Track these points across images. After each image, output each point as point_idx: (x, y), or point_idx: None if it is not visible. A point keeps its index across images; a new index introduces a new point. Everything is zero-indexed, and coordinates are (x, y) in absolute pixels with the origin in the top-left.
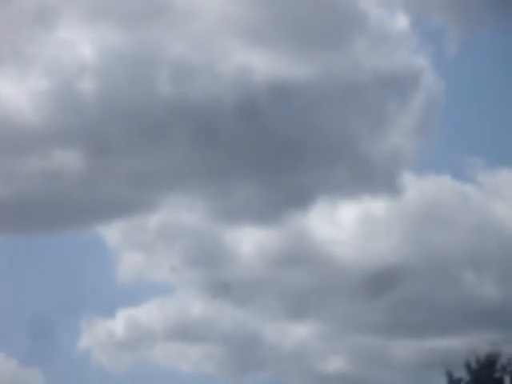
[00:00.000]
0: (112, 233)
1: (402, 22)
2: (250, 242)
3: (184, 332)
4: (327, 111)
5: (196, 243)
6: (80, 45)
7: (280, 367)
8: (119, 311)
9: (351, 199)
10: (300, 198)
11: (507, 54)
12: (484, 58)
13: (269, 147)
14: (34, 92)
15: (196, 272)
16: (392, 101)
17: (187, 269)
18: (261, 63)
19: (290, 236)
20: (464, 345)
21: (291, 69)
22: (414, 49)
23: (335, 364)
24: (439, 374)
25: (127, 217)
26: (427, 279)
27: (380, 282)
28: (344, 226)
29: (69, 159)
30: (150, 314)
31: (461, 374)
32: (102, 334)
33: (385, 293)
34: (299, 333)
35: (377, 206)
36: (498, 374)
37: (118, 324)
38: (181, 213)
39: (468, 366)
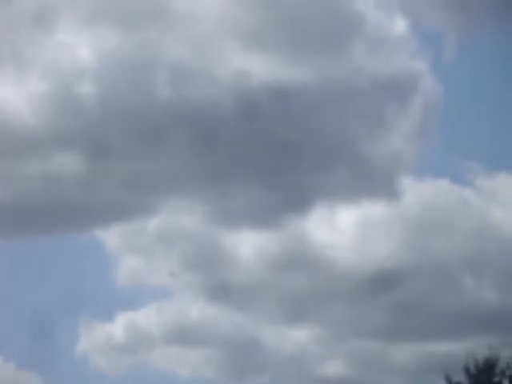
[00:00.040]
0: (111, 236)
1: (400, 25)
2: (248, 245)
3: (183, 336)
4: (326, 115)
5: (195, 247)
6: (79, 48)
7: (279, 371)
8: (118, 315)
9: (350, 203)
10: (299, 202)
11: (506, 58)
12: (483, 62)
13: (268, 151)
14: (32, 95)
15: (195, 276)
16: (390, 105)
17: (186, 272)
18: (259, 67)
19: (288, 240)
20: (463, 349)
21: (289, 72)
22: (413, 53)
23: (334, 368)
24: (438, 378)
25: (126, 220)
26: (426, 283)
27: (379, 285)
28: (343, 229)
29: (68, 162)
30: (148, 317)
31: (460, 378)
32: (101, 337)
33: (384, 297)
34: (298, 337)
35: (375, 209)
36: (496, 379)
37: (117, 328)
38: (180, 216)
39: (467, 371)
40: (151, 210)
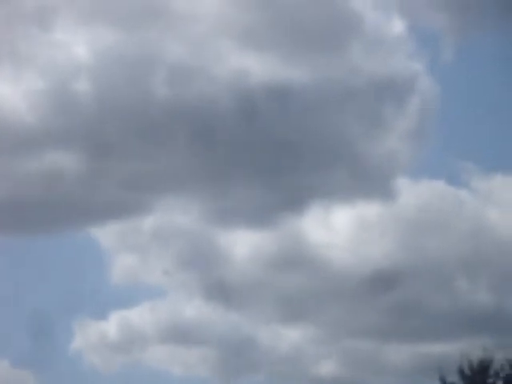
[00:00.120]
0: (106, 234)
1: (398, 26)
2: (244, 244)
3: (177, 334)
4: (323, 115)
5: (190, 245)
6: (77, 46)
7: (274, 370)
8: (112, 313)
9: (346, 203)
10: (295, 202)
11: (503, 60)
12: (480, 64)
13: (264, 150)
14: (30, 93)
15: (190, 274)
16: (387, 105)
17: (181, 271)
18: (257, 66)
19: (284, 239)
20: (457, 350)
21: (287, 72)
22: (410, 53)
23: (329, 368)
24: (432, 379)
25: (122, 219)
26: (421, 284)
27: (374, 286)
28: (338, 230)
29: (64, 161)
30: (143, 316)
31: (454, 379)
32: (95, 335)
33: (379, 297)
34: (293, 336)
35: (371, 210)
36: (491, 380)
37: (111, 326)
38: (175, 215)
39: (461, 372)
40: (147, 208)
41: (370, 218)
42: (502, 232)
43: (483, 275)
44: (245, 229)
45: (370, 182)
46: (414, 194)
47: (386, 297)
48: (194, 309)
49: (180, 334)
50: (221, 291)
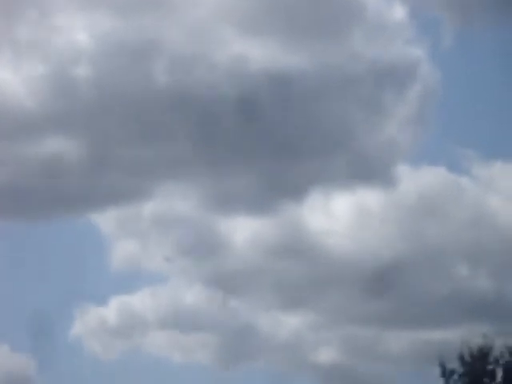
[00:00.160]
0: (106, 220)
1: (399, 12)
2: (244, 231)
3: (177, 321)
4: (323, 102)
5: (190, 232)
6: (76, 31)
7: (273, 357)
8: (112, 299)
9: (346, 190)
10: (295, 188)
11: (504, 46)
12: (481, 50)
13: (264, 137)
14: (29, 78)
15: (190, 261)
16: (388, 92)
17: (181, 257)
18: (257, 53)
19: (284, 226)
20: (457, 337)
21: (287, 59)
22: (411, 39)
23: (329, 355)
24: (432, 366)
25: (121, 205)
26: (421, 271)
27: (374, 273)
28: (338, 216)
29: (64, 147)
30: (143, 302)
31: (454, 366)
32: (95, 321)
33: (379, 284)
34: (293, 323)
35: (371, 197)
36: (490, 367)
37: (111, 312)
38: (175, 201)
39: (461, 358)
40: (147, 194)
41: (370, 204)
42: (502, 219)
43: (483, 262)
44: (245, 215)
45: (370, 168)
46: (415, 180)
47: (386, 283)
48: (193, 295)
49: (180, 321)
50: (220, 278)
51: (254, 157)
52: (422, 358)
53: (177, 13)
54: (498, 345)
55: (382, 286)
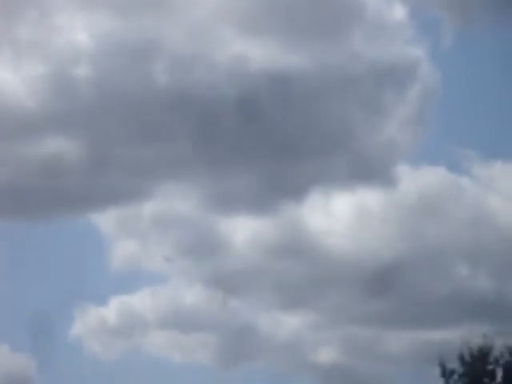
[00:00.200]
0: (106, 220)
1: (399, 12)
2: (244, 231)
3: (177, 321)
4: (323, 102)
5: (190, 232)
6: (76, 31)
7: (273, 357)
8: (112, 299)
9: (346, 190)
10: (295, 188)
11: (504, 46)
12: (481, 50)
13: (264, 137)
14: (29, 78)
15: (190, 261)
16: (388, 92)
17: (181, 257)
18: (257, 52)
19: (284, 226)
20: (458, 337)
21: (287, 58)
22: (412, 39)
23: (328, 355)
24: (432, 366)
25: (121, 205)
26: (421, 271)
27: (374, 273)
28: (338, 216)
29: (64, 147)
30: (143, 302)
31: (454, 366)
32: (95, 321)
33: (379, 284)
34: (293, 323)
35: (371, 197)
36: (490, 367)
37: (111, 312)
38: (175, 201)
39: (461, 358)
40: (146, 194)
41: (370, 204)
42: (502, 219)
43: (484, 262)
44: (245, 215)
45: (370, 168)
46: (415, 180)
47: (386, 283)
48: (193, 295)
49: (180, 321)
50: (221, 278)
51: (253, 157)
52: (422, 358)
53: (177, 13)
54: (498, 345)
55: (382, 286)
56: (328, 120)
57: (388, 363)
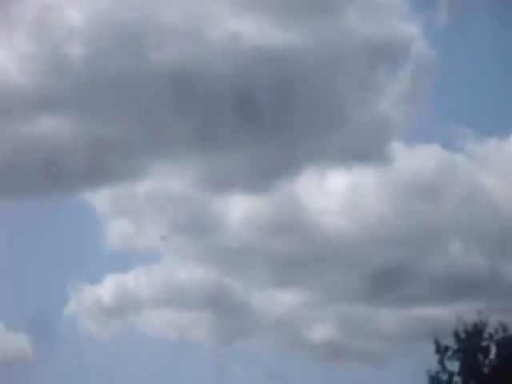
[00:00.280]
0: (100, 199)
1: None
2: (238, 209)
3: (171, 299)
4: (316, 79)
5: (184, 210)
6: (69, 9)
7: (268, 335)
8: (107, 278)
9: (340, 168)
10: (289, 167)
11: (499, 23)
12: (475, 27)
13: (258, 115)
14: (22, 57)
15: (184, 239)
16: (382, 69)
17: (175, 236)
18: (251, 30)
19: (278, 204)
20: (452, 314)
21: (281, 36)
22: (406, 17)
23: (322, 332)
24: (427, 343)
25: (116, 184)
26: (415, 248)
27: (368, 250)
28: (333, 194)
29: (58, 125)
30: (137, 280)
31: (449, 342)
32: (90, 300)
33: (373, 261)
34: (286, 301)
35: (366, 174)
36: (485, 343)
37: (106, 290)
38: (169, 180)
39: (456, 335)
40: (141, 173)
41: (364, 182)
42: (496, 196)
43: (478, 239)
44: (239, 194)
45: (364, 146)
46: (409, 158)
47: (380, 261)
48: (188, 273)
49: (174, 299)
50: (215, 256)
51: (248, 135)
52: (416, 335)
53: None
54: (493, 321)
55: (377, 264)
56: (322, 98)
57: (382, 340)
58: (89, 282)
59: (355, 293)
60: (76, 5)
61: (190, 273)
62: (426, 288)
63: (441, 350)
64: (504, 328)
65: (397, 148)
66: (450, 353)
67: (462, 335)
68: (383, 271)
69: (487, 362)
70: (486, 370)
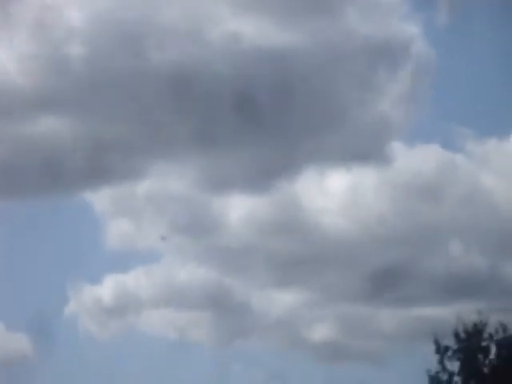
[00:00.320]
0: (100, 199)
1: None
2: (238, 209)
3: (171, 299)
4: (317, 79)
5: (185, 210)
6: (69, 9)
7: (267, 335)
8: (107, 278)
9: (340, 168)
10: (289, 167)
11: (499, 23)
12: (475, 28)
13: (257, 115)
14: (23, 57)
15: (184, 239)
16: (382, 69)
17: (176, 236)
18: (251, 30)
19: (278, 204)
20: (452, 314)
21: (281, 36)
22: (406, 17)
23: (322, 332)
24: (427, 343)
25: (116, 184)
26: (416, 248)
27: (368, 250)
28: (333, 194)
29: (58, 125)
30: (137, 280)
31: (449, 342)
32: (90, 300)
33: (373, 261)
34: (286, 301)
35: (366, 174)
36: (485, 343)
37: (106, 290)
38: (169, 180)
39: (456, 335)
40: (141, 173)
41: (364, 182)
42: (496, 196)
43: (478, 239)
44: (239, 194)
45: (364, 146)
46: (409, 158)
47: (380, 261)
48: (188, 273)
49: (174, 299)
50: (215, 256)
51: (248, 135)
52: (416, 335)
53: None
54: (493, 321)
55: (377, 264)
56: (322, 98)
57: (382, 340)
58: (89, 282)
59: (355, 293)
60: (76, 5)
61: (190, 273)
62: (426, 288)
63: (441, 350)
64: (504, 328)
65: (397, 148)
66: (449, 353)
67: (462, 335)
68: (383, 271)
69: (487, 362)
70: (485, 370)
